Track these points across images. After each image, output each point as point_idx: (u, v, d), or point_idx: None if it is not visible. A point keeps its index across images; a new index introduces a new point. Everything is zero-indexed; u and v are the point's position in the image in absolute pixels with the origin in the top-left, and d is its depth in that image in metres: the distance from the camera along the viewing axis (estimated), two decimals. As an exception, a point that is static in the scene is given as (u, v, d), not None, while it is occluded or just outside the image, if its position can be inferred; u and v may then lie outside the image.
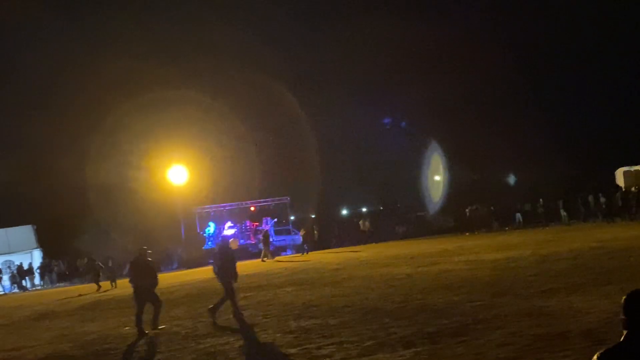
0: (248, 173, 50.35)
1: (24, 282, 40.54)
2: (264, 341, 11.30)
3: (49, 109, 54.12)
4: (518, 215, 44.13)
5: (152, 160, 48.34)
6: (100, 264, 32.97)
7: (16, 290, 39.48)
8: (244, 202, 48.20)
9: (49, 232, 44.73)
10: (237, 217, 47.74)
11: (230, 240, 42.79)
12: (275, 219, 46.92)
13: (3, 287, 39.76)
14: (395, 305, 13.48)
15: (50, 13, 60.41)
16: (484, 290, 14.11)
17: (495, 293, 13.42)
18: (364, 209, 60.72)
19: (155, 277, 14.68)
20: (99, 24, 59.36)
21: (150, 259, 15.16)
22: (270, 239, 40.49)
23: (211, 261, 14.37)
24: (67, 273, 43.99)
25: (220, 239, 16.50)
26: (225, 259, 14.51)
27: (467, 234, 41.03)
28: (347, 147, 60.08)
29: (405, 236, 45.82)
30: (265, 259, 35.44)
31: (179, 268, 41.79)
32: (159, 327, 14.01)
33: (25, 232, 44.35)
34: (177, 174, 46.16)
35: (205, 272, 31.76)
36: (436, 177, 56.77)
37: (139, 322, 13.89)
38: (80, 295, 27.93)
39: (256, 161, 51.84)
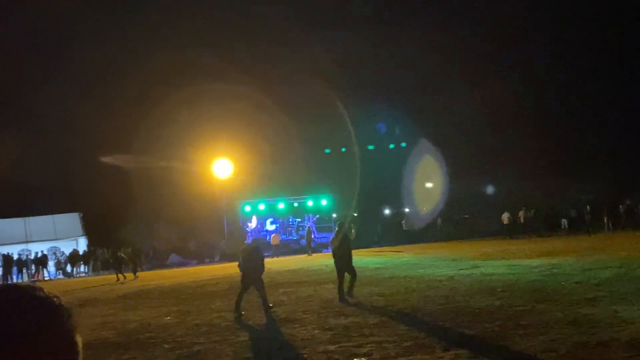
0: (292, 169, 50.53)
1: (68, 268, 41.30)
2: (303, 337, 11.31)
3: (97, 100, 55.11)
4: (564, 221, 43.58)
5: (197, 153, 48.83)
6: (122, 255, 33.57)
7: (61, 276, 40.26)
8: (287, 198, 48.40)
9: (95, 220, 45.47)
10: (280, 212, 47.98)
11: (272, 235, 43.49)
12: (318, 216, 47.03)
13: (48, 272, 40.53)
14: (436, 306, 13.39)
15: (101, 6, 61.48)
16: (526, 295, 13.93)
17: (538, 299, 13.24)
18: (407, 210, 60.41)
19: (262, 265, 15.10)
20: (150, 16, 60.05)
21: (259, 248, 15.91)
22: (313, 236, 40.65)
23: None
24: (110, 261, 44.71)
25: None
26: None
27: (512, 237, 40.56)
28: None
29: (448, 238, 45.51)
30: (310, 253, 35.87)
31: (221, 261, 42.16)
32: (270, 306, 14.70)
33: (71, 220, 45.13)
34: (222, 167, 46.58)
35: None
36: (489, 187, 56.42)
37: (238, 302, 14.50)
38: (122, 283, 28.41)
39: (301, 157, 51.97)
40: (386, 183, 55.07)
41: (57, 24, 58.62)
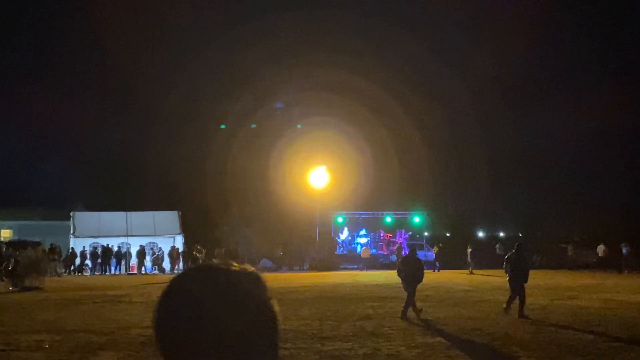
0: (389, 183, 50.50)
1: (165, 265, 42.54)
2: (388, 352, 11.29)
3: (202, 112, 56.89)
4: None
5: (295, 162, 49.51)
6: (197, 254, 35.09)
7: (156, 272, 41.49)
8: (380, 212, 48.31)
9: (193, 219, 46.63)
10: (372, 226, 47.93)
11: (363, 248, 43.49)
12: (410, 233, 46.73)
13: (145, 267, 41.82)
14: (526, 334, 13.10)
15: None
16: (622, 331, 13.42)
17: (633, 336, 12.74)
18: (501, 234, 59.22)
19: (422, 275, 16.42)
20: (254, 31, 61.30)
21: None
22: (403, 252, 40.40)
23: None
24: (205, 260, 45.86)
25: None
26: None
27: (606, 271, 39.00)
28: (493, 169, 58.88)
29: (540, 266, 44.21)
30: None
31: (310, 270, 42.48)
32: (420, 310, 15.87)
33: (170, 217, 46.38)
34: (318, 177, 47.00)
35: (336, 276, 32.21)
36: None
37: (413, 304, 15.87)
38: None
39: (398, 173, 51.88)
40: (485, 204, 54.29)
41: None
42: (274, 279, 32.46)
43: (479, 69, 60.46)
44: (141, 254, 41.41)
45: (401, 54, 57.47)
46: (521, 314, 15.70)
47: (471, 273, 34.95)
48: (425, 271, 16.83)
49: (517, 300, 16.10)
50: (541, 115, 62.67)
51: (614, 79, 60.37)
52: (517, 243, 17.94)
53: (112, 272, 40.92)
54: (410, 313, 15.59)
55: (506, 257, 17.31)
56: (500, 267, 36.75)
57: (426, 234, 49.76)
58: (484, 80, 58.71)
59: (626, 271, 39.28)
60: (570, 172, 56.17)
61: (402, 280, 16.37)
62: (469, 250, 38.30)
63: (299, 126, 50.34)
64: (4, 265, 30.24)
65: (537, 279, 31.52)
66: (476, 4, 64.73)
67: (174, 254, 41.67)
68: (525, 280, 16.34)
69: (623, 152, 53.87)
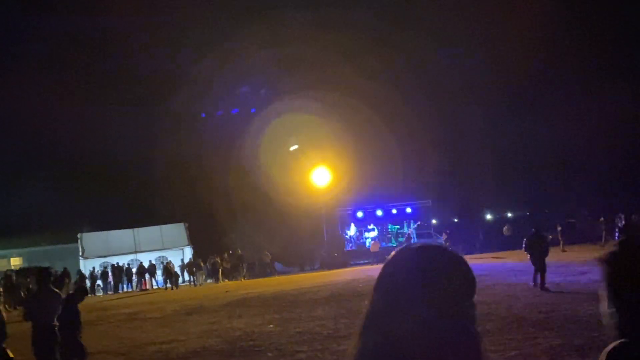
0: (391, 175, 50.39)
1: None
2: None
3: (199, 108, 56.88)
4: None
5: (296, 162, 49.45)
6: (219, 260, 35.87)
7: (168, 285, 41.51)
8: (386, 205, 48.21)
9: (199, 230, 46.65)
10: (379, 220, 47.83)
11: (372, 242, 43.42)
12: (418, 222, 46.65)
13: (156, 281, 41.82)
14: (541, 315, 13.06)
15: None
16: (637, 303, 13.36)
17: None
18: (509, 214, 59.14)
19: (547, 250, 18.57)
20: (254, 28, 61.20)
21: None
22: (412, 242, 40.34)
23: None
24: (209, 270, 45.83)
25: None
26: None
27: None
28: (494, 150, 58.72)
29: (551, 243, 44.09)
30: None
31: (320, 268, 42.46)
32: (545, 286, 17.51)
33: (177, 230, 46.45)
34: (320, 175, 46.98)
35: (347, 273, 32.17)
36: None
37: (535, 278, 18.00)
38: (227, 291, 29.07)
39: (400, 164, 51.78)
40: (490, 186, 54.12)
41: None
42: (286, 281, 32.46)
43: (479, 57, 60.21)
44: (150, 269, 41.47)
45: (399, 46, 57.20)
46: (543, 287, 17.32)
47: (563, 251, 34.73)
48: None
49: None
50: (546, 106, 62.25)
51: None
52: (534, 226, 19.99)
53: (124, 289, 40.95)
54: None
55: (525, 239, 18.98)
56: (509, 249, 36.71)
57: (434, 221, 49.62)
58: (487, 67, 58.39)
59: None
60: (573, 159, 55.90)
61: (530, 256, 18.34)
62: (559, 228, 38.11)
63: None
64: (16, 293, 30.27)
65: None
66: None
67: (192, 265, 41.56)
68: (546, 255, 18.12)
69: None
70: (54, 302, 10.19)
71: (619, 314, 2.16)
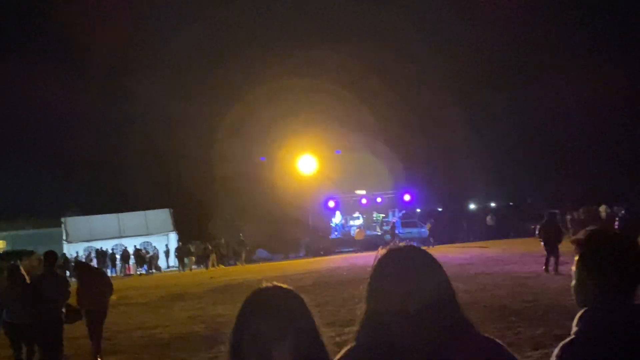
0: (377, 164, 50.46)
1: (161, 263, 42.60)
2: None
3: (184, 99, 56.58)
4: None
5: (282, 150, 49.43)
6: (210, 247, 35.98)
7: (153, 271, 41.48)
8: (371, 193, 48.26)
9: (184, 216, 46.60)
10: (364, 208, 47.90)
11: (357, 230, 43.51)
12: (403, 212, 46.79)
13: (141, 267, 41.77)
14: (524, 304, 13.18)
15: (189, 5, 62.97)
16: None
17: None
18: (492, 204, 59.43)
19: (560, 235, 19.20)
20: (232, 15, 61.09)
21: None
22: (396, 231, 40.49)
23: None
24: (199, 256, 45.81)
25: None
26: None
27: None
28: (480, 140, 58.98)
29: (533, 233, 44.36)
30: None
31: (306, 256, 42.52)
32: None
33: (162, 215, 46.34)
34: (306, 163, 46.99)
35: (332, 261, 32.26)
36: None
37: (546, 264, 18.69)
38: (211, 278, 29.07)
39: (386, 153, 51.85)
40: (475, 177, 54.38)
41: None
42: (270, 268, 32.50)
43: (464, 45, 60.37)
44: (137, 254, 41.38)
45: (385, 32, 57.28)
46: (556, 270, 18.08)
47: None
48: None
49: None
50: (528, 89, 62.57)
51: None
52: (547, 214, 20.92)
53: (108, 274, 40.81)
54: None
55: (539, 226, 19.98)
56: (492, 238, 36.89)
57: (418, 210, 49.79)
58: (472, 54, 58.60)
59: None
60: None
61: (543, 241, 19.03)
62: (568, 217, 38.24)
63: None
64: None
65: (529, 245, 31.71)
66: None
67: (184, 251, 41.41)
68: (559, 241, 18.82)
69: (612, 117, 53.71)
70: (62, 287, 10.19)
71: (584, 286, 2.57)
